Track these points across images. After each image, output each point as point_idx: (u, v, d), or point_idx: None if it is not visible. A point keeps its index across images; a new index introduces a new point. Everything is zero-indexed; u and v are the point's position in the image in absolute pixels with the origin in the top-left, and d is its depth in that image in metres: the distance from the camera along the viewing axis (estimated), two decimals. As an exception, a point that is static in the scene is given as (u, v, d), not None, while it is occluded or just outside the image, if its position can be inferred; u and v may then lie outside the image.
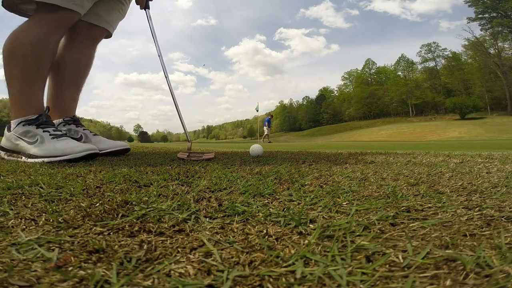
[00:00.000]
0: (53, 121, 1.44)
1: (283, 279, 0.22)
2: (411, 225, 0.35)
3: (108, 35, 1.55)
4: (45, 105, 1.24)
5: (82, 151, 1.09)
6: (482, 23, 42.20)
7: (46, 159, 1.07)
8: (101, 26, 1.46)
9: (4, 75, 1.16)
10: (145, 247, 0.28)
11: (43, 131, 1.14)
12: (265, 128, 14.38)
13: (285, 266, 0.24)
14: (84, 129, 1.47)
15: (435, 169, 0.82)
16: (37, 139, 1.13)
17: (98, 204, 0.43)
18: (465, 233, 0.32)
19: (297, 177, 0.70)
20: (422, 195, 0.50)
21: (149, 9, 1.58)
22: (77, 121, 1.48)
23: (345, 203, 0.45)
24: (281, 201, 0.47)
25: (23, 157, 1.14)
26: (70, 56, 1.43)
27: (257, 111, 15.65)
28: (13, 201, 0.45)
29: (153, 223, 0.35)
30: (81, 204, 0.43)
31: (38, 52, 1.15)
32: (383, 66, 63.21)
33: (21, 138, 1.15)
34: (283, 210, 0.41)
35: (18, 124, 1.16)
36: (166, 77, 1.60)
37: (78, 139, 1.43)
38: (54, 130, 1.17)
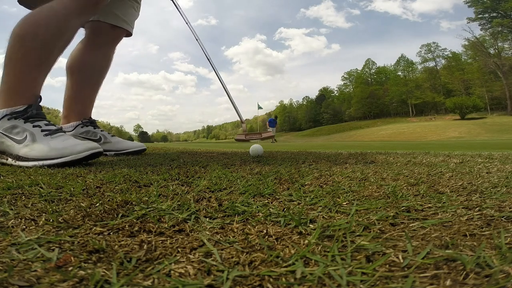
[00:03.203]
0: (70, 123, 1.44)
1: (283, 279, 0.22)
2: (411, 225, 0.35)
3: (128, 34, 1.53)
4: (40, 96, 1.04)
5: (85, 150, 0.91)
6: (482, 23, 42.20)
7: (40, 163, 0.87)
8: (121, 27, 1.44)
9: (4, 59, 0.98)
10: (145, 247, 0.28)
11: (33, 126, 0.95)
12: (269, 129, 14.56)
13: (285, 266, 0.24)
14: (101, 131, 1.48)
15: (435, 169, 0.82)
16: (26, 136, 0.93)
17: (98, 204, 0.43)
18: (465, 233, 0.32)
19: (297, 177, 0.70)
20: (422, 195, 0.50)
21: None
22: (94, 123, 1.48)
23: (345, 203, 0.45)
24: (281, 201, 0.47)
25: (9, 159, 0.93)
26: (91, 57, 1.42)
27: (261, 108, 15.88)
28: (13, 201, 0.45)
29: (153, 223, 0.35)
30: (81, 204, 0.43)
31: (51, 36, 0.99)
32: (383, 66, 63.23)
33: (6, 135, 0.94)
34: (283, 210, 0.41)
35: (2, 117, 0.95)
36: (208, 59, 1.56)
37: (97, 141, 1.43)
38: (46, 125, 0.98)
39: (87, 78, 1.44)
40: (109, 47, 1.49)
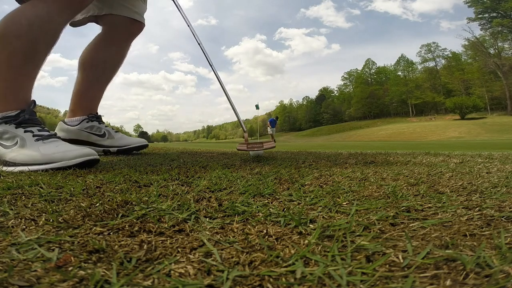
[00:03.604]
0: (76, 117, 1.43)
1: (283, 279, 0.22)
2: (411, 225, 0.35)
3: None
4: (32, 98, 0.99)
5: (77, 157, 0.84)
6: (482, 23, 42.22)
7: (26, 168, 0.81)
8: (136, 20, 1.41)
9: None
10: (145, 247, 0.28)
11: (25, 131, 0.90)
12: (268, 128, 14.83)
13: (285, 266, 0.24)
14: (106, 127, 1.48)
15: (435, 169, 0.82)
16: (17, 141, 0.88)
17: (98, 204, 0.43)
18: (465, 233, 0.32)
19: (297, 177, 0.70)
20: (422, 195, 0.50)
21: None
22: (99, 118, 1.48)
23: (345, 203, 0.45)
24: (281, 201, 0.47)
25: None
26: (105, 54, 1.40)
27: (258, 108, 15.84)
28: (13, 201, 0.45)
29: (153, 223, 0.35)
30: (81, 204, 0.43)
31: (36, 35, 0.94)
32: (383, 66, 63.27)
33: None
34: (283, 210, 0.41)
35: None
36: (207, 59, 1.43)
37: (101, 136, 1.44)
38: (39, 130, 0.93)
39: (99, 74, 1.43)
40: (125, 42, 1.46)
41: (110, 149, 1.45)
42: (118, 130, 1.60)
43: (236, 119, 1.45)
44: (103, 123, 1.49)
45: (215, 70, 1.44)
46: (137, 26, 1.45)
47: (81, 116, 1.43)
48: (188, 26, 1.50)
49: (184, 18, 1.49)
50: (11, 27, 0.92)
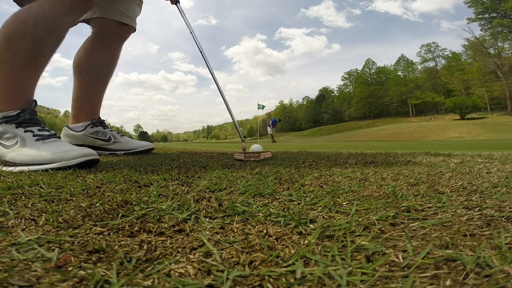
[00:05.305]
0: (80, 123, 1.44)
1: (283, 279, 0.22)
2: (411, 225, 0.35)
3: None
4: (34, 98, 0.98)
5: (77, 157, 0.83)
6: (482, 23, 42.17)
7: (26, 168, 0.81)
8: (127, 24, 1.42)
9: None
10: (145, 247, 0.28)
11: (25, 131, 0.90)
12: (269, 128, 15.05)
13: (285, 266, 0.24)
14: (110, 131, 1.49)
15: (435, 169, 0.82)
16: (17, 141, 0.88)
17: (98, 204, 0.43)
18: (465, 233, 0.32)
19: (297, 177, 0.70)
20: (422, 195, 0.50)
21: (179, 3, 1.50)
22: (103, 123, 1.49)
23: (345, 203, 0.45)
24: (281, 201, 0.47)
25: None
26: (98, 57, 1.41)
27: (263, 108, 15.72)
28: (13, 201, 0.45)
29: (153, 223, 0.35)
30: (81, 204, 0.43)
31: (41, 35, 0.93)
32: (383, 66, 63.27)
33: None
34: (283, 210, 0.41)
35: None
36: (208, 67, 1.47)
37: (107, 141, 1.44)
38: (39, 130, 0.92)
39: (95, 77, 1.43)
40: (116, 45, 1.47)
41: (117, 152, 1.46)
42: (118, 131, 1.60)
43: (236, 120, 1.46)
44: (107, 127, 1.50)
45: (218, 83, 1.46)
46: (127, 29, 1.45)
47: (84, 121, 1.44)
48: (191, 32, 1.50)
49: (188, 26, 1.50)
50: (16, 26, 0.91)
